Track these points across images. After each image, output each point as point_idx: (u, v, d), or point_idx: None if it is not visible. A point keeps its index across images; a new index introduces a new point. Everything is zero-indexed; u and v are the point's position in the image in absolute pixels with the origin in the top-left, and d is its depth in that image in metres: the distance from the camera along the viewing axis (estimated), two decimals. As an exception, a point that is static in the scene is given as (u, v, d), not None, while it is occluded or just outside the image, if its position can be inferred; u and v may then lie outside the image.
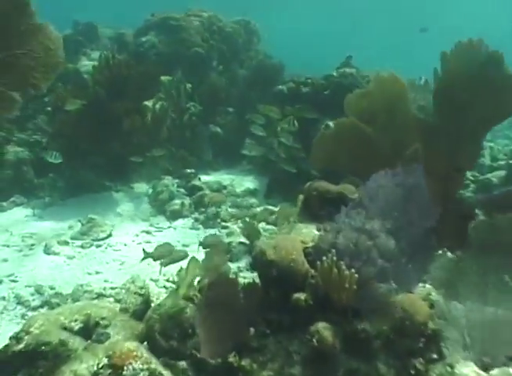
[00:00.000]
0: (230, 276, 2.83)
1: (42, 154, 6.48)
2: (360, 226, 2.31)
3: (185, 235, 6.14)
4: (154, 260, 4.62)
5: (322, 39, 32.48)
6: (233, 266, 5.18)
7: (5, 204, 6.74)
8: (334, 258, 2.14)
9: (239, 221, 6.45)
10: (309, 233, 2.80)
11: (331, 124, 6.74)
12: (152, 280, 4.90)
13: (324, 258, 2.16)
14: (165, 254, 4.40)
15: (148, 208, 6.89)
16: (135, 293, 3.14)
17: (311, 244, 2.49)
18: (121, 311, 2.96)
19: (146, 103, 7.47)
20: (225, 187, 7.52)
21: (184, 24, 10.00)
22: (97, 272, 5.03)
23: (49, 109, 7.67)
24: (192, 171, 7.37)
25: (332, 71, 7.66)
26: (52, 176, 7.26)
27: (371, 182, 2.52)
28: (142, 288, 3.22)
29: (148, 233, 6.11)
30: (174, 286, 4.73)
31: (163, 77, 8.61)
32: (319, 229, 2.93)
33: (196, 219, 6.51)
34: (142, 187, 7.52)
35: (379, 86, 3.85)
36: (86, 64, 9.80)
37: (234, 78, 9.76)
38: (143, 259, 4.50)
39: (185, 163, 7.71)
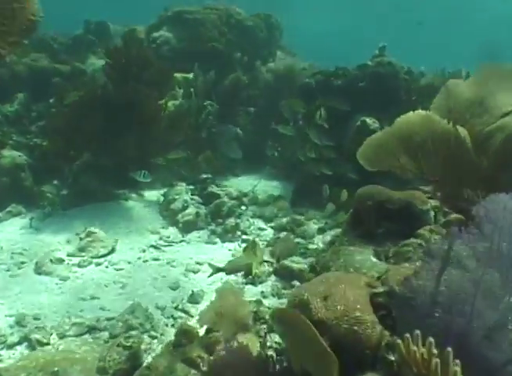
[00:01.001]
0: (247, 344, 1.90)
1: (130, 173, 5.80)
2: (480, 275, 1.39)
3: (200, 250, 5.30)
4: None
5: (344, 38, 31.54)
6: (255, 291, 4.32)
7: (0, 214, 6.00)
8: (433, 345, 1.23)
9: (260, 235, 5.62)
10: (366, 261, 1.93)
11: (368, 120, 5.84)
12: (158, 307, 4.06)
13: (416, 333, 1.25)
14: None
15: (158, 219, 6.06)
16: (118, 345, 2.28)
17: (382, 288, 1.59)
18: (99, 371, 2.11)
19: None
20: (245, 194, 6.65)
21: (199, 17, 9.21)
22: (92, 298, 4.20)
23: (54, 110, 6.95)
24: (209, 176, 6.52)
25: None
26: (55, 184, 6.52)
27: (491, 203, 1.60)
28: (128, 338, 2.35)
29: (156, 248, 5.27)
30: (183, 315, 3.90)
31: (177, 74, 7.85)
32: (377, 255, 2.07)
33: (213, 232, 5.66)
34: (154, 195, 6.71)
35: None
36: (94, 62, 9.13)
37: (256, 77, 8.90)
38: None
39: (210, 165, 6.87)
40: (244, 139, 8.20)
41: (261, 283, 4.40)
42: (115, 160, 6.22)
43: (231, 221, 5.71)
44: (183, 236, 5.61)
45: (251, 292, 4.30)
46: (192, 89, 7.21)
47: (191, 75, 7.69)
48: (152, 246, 5.30)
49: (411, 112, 2.90)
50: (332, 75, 6.62)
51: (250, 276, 4.42)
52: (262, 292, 4.25)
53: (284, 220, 5.88)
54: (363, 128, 5.87)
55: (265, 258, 4.62)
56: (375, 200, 2.29)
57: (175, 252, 5.20)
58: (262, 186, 7.38)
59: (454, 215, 2.52)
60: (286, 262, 4.57)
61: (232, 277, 4.52)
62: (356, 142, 6.06)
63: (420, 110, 2.84)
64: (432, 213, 2.57)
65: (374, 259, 2.00)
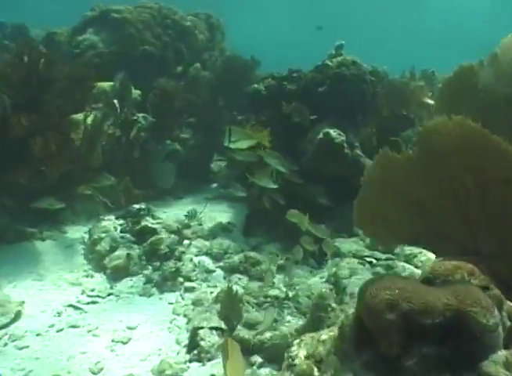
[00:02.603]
0: None
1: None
2: None
3: (133, 307, 4.24)
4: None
5: (294, 40, 31.01)
6: (203, 372, 3.32)
7: None
8: None
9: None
10: None
11: (333, 132, 4.95)
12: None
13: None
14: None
15: (82, 264, 4.95)
16: None
17: None
18: None
19: (77, 116, 5.56)
20: (188, 225, 5.62)
21: (129, 17, 8.10)
22: (-22, 402, 3.10)
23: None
24: (142, 206, 5.43)
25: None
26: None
27: None
28: None
29: (76, 308, 4.16)
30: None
31: (103, 83, 6.73)
32: None
33: (149, 279, 4.61)
34: (78, 231, 5.57)
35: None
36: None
37: (195, 82, 7.88)
38: None
39: (131, 195, 5.78)
40: (185, 155, 7.18)
41: (209, 360, 3.40)
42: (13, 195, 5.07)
43: (170, 264, 4.68)
44: (112, 287, 4.53)
45: (197, 373, 3.30)
46: (116, 100, 6.10)
47: (118, 83, 6.58)
48: (71, 305, 4.19)
49: (440, 119, 1.94)
50: (285, 79, 5.67)
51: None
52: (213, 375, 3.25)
53: (236, 258, 4.90)
54: (327, 142, 4.98)
55: (213, 323, 3.62)
56: (400, 311, 1.36)
57: (101, 313, 4.11)
58: (209, 210, 6.39)
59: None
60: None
61: (171, 353, 3.51)
62: (319, 159, 5.21)
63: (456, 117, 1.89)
64: (501, 328, 1.54)
65: None
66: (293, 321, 4.02)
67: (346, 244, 5.02)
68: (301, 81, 5.54)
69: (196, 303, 4.22)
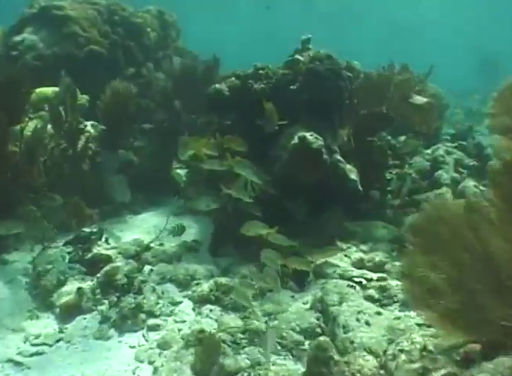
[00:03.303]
0: None
1: None
2: None
3: (86, 355, 3.55)
4: None
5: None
6: None
7: None
8: None
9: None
10: None
11: (309, 136, 4.37)
12: None
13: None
14: None
15: (27, 301, 4.21)
16: None
17: None
18: None
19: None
20: (148, 247, 4.95)
21: (73, 14, 7.31)
22: None
23: None
24: (94, 229, 4.72)
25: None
26: None
27: None
28: None
29: (17, 364, 3.44)
30: None
31: (44, 89, 5.96)
32: None
33: (105, 318, 3.92)
34: (21, 260, 4.80)
35: None
36: None
37: (149, 84, 7.17)
38: None
39: (83, 216, 5.05)
40: (141, 165, 6.47)
41: None
42: None
43: (129, 298, 4.00)
44: (61, 330, 3.82)
45: None
46: (60, 107, 5.35)
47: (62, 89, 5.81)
48: (10, 360, 3.46)
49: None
50: (250, 77, 5.04)
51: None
52: None
53: (206, 286, 4.26)
54: (303, 147, 4.39)
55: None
56: None
57: (47, 367, 3.41)
58: (171, 227, 5.72)
59: None
60: None
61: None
62: (295, 167, 4.61)
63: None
64: None
65: None
66: (279, 361, 3.43)
67: (330, 262, 4.46)
68: (270, 78, 4.93)
69: (163, 345, 3.57)
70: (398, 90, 5.24)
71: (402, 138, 7.34)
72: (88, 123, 6.01)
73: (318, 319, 3.79)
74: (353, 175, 4.73)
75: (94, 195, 5.75)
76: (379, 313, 3.52)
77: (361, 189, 4.82)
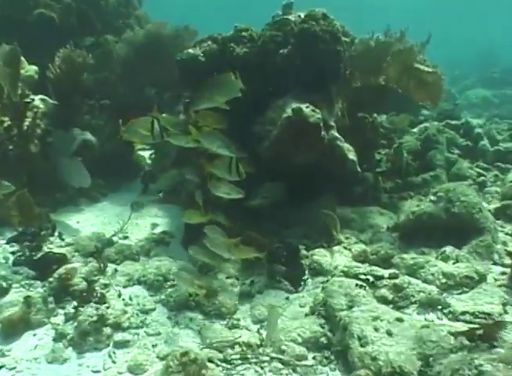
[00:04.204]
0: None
1: None
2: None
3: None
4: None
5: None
6: None
7: None
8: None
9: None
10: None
11: (305, 108, 3.67)
12: None
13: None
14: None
15: (-40, 313, 3.39)
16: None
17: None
18: None
19: None
20: (111, 242, 4.19)
21: (19, -26, 6.34)
22: None
23: None
24: (48, 225, 3.91)
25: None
26: None
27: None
28: None
29: None
30: None
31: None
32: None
33: (60, 334, 3.15)
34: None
35: None
36: None
37: (109, 54, 6.27)
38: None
39: (31, 215, 4.18)
40: (101, 146, 5.63)
41: None
42: None
43: (90, 308, 3.23)
44: (3, 353, 3.02)
45: None
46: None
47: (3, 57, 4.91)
48: None
49: None
50: (231, 40, 4.26)
51: None
52: None
53: (182, 288, 3.54)
54: (298, 121, 3.68)
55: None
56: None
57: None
58: (135, 216, 4.98)
59: None
60: None
61: None
62: (286, 145, 3.92)
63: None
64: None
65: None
66: (281, 384, 2.78)
67: (328, 257, 3.81)
68: (254, 41, 4.18)
69: (135, 369, 2.85)
70: (399, 60, 4.58)
71: (384, 117, 6.78)
72: (37, 97, 5.13)
73: (322, 327, 3.15)
74: (352, 155, 4.08)
75: (44, 181, 4.92)
76: (400, 320, 2.90)
77: (360, 171, 4.18)
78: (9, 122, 4.77)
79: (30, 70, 5.50)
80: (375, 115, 5.60)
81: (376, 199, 5.00)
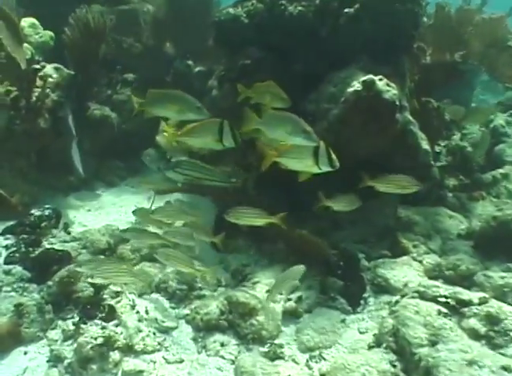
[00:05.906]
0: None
1: None
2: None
3: None
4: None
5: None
6: None
7: None
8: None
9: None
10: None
11: (378, 81, 2.91)
12: None
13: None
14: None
15: None
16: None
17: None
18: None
19: None
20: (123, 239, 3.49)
21: None
22: None
23: None
24: (46, 212, 3.22)
25: None
26: None
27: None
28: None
29: None
30: None
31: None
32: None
33: (57, 356, 2.47)
34: None
35: None
36: None
37: (133, 18, 5.49)
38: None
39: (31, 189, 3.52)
40: (123, 125, 4.94)
41: None
42: None
43: (94, 327, 2.54)
44: (-14, 377, 2.38)
45: None
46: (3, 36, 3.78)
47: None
48: None
49: None
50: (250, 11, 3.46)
51: None
52: None
53: (214, 304, 2.82)
54: (369, 96, 2.89)
55: None
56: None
57: None
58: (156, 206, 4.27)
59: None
60: None
61: None
62: (351, 127, 3.00)
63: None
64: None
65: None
66: None
67: (395, 271, 3.05)
68: (297, 14, 3.36)
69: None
70: (486, 31, 3.76)
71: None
72: (50, 66, 4.45)
73: (393, 366, 2.40)
74: (425, 145, 3.31)
75: (56, 161, 4.27)
76: (506, 369, 2.13)
77: (433, 164, 3.40)
78: (16, 92, 4.11)
79: (45, 35, 4.86)
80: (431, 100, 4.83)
81: (441, 198, 4.21)
